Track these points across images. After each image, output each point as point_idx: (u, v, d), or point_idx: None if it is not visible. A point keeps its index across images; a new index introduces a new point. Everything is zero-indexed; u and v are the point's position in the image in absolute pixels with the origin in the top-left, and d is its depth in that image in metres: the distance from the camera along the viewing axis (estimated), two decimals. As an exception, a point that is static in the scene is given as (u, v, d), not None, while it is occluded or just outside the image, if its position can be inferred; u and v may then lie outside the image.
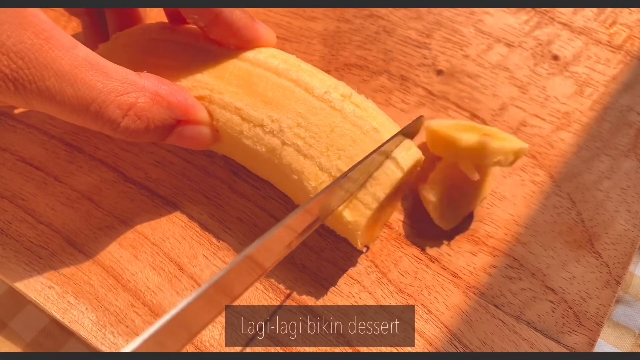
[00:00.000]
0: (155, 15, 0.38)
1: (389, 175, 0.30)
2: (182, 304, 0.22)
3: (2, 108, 0.40)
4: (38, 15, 0.26)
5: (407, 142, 0.32)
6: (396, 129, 0.32)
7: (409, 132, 0.33)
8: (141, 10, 0.39)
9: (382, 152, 0.30)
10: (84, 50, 0.27)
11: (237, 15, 0.32)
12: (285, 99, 0.31)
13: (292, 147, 0.30)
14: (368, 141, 0.30)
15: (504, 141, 0.32)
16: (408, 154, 0.31)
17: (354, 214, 0.30)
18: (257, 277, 0.28)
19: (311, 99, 0.31)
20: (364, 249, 0.34)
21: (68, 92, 0.26)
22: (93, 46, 0.36)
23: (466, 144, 0.32)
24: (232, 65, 0.32)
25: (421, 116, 0.34)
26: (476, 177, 0.32)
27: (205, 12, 0.31)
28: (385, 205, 0.31)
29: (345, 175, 0.28)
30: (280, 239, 0.27)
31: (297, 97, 0.31)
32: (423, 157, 0.33)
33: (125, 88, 0.28)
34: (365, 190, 0.30)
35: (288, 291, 0.33)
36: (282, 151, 0.30)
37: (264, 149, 0.31)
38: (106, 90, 0.27)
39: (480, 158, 0.32)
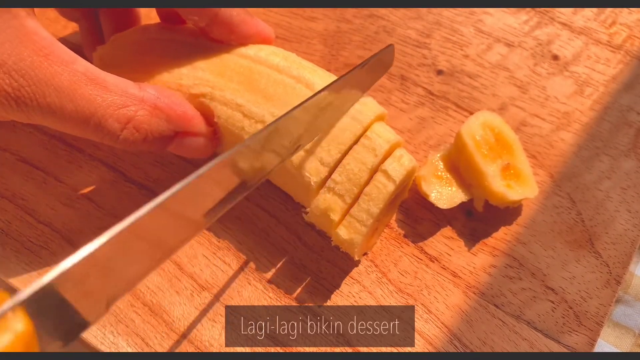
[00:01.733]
0: (155, 16, 0.38)
1: (381, 189, 0.30)
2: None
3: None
4: (38, 32, 0.27)
5: (398, 151, 0.31)
6: (387, 130, 0.31)
7: (380, 63, 0.31)
8: (138, 13, 0.39)
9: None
10: (83, 65, 0.27)
11: (235, 12, 0.32)
12: (287, 95, 0.31)
13: None
14: None
15: (524, 187, 0.33)
16: (399, 164, 0.30)
17: (349, 232, 0.30)
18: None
19: None
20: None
21: (68, 107, 0.27)
22: (92, 50, 0.36)
23: (490, 189, 0.32)
24: (233, 63, 0.32)
25: (390, 45, 0.33)
26: (480, 209, 0.34)
27: (204, 12, 0.31)
28: (381, 217, 0.31)
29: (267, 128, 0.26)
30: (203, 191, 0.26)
31: (298, 93, 0.31)
32: (417, 165, 0.32)
33: (124, 101, 0.28)
34: (359, 207, 0.30)
35: (288, 291, 0.33)
36: None
37: None
38: (105, 104, 0.27)
39: (496, 200, 0.33)
